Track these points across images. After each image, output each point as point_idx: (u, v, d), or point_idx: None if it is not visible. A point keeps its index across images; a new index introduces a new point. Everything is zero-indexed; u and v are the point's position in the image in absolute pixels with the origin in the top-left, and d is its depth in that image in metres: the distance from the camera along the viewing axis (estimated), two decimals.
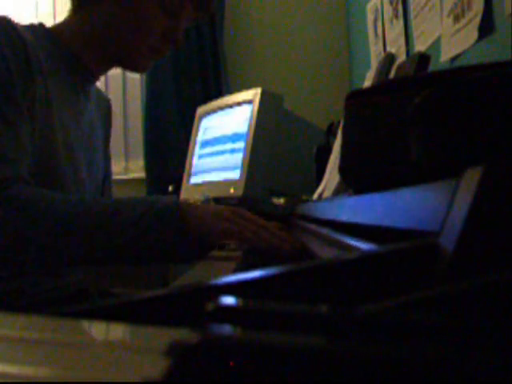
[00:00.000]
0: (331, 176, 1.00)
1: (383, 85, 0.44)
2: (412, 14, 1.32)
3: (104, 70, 1.05)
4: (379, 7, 1.64)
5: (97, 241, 0.79)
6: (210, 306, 0.19)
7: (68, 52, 0.98)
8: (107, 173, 1.20)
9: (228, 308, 0.19)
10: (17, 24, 0.90)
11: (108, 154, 1.21)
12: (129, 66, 1.02)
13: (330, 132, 1.36)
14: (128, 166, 2.61)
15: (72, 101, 0.98)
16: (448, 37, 1.06)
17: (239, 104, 1.61)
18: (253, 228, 0.82)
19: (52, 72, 0.93)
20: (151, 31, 0.96)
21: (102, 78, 2.58)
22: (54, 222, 0.78)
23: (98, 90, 1.15)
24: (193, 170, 1.78)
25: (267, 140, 1.50)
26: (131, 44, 0.97)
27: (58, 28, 1.00)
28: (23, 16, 2.58)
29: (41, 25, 0.99)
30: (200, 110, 1.85)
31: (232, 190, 1.50)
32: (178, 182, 1.89)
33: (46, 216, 0.78)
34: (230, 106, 1.66)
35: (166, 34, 0.98)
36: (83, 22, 0.98)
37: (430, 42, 1.20)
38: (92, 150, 1.05)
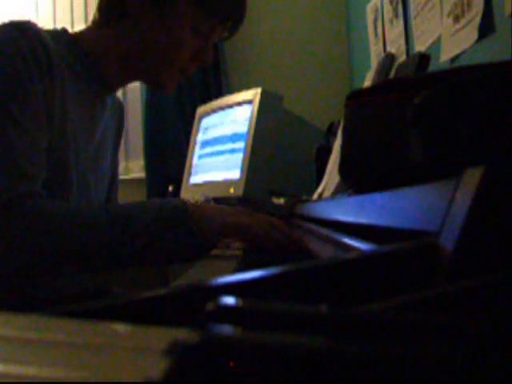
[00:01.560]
0: (331, 176, 1.00)
1: (383, 85, 0.44)
2: (412, 14, 1.32)
3: (124, 82, 1.05)
4: (379, 7, 1.64)
5: (109, 250, 0.81)
6: (210, 306, 0.19)
7: (89, 62, 0.97)
8: (114, 179, 1.20)
9: (228, 308, 0.19)
10: (40, 29, 0.89)
11: (116, 160, 1.22)
12: (154, 84, 1.01)
13: (330, 132, 1.37)
14: (128, 166, 2.61)
15: (88, 109, 0.98)
16: (448, 37, 1.06)
17: (239, 104, 1.61)
18: (263, 225, 0.84)
19: (71, 80, 0.92)
20: (182, 53, 0.95)
21: None
22: (68, 236, 0.79)
23: (113, 96, 1.14)
24: (193, 169, 1.78)
25: (267, 140, 1.50)
26: (161, 64, 0.96)
27: (81, 36, 0.99)
28: (23, 16, 2.58)
29: (64, 31, 0.98)
30: (200, 109, 1.85)
31: (232, 190, 1.50)
32: (178, 182, 1.89)
33: (59, 231, 0.79)
34: (230, 106, 1.66)
35: (196, 56, 0.97)
36: (110, 34, 0.96)
37: (429, 41, 1.20)
38: (101, 158, 1.06)
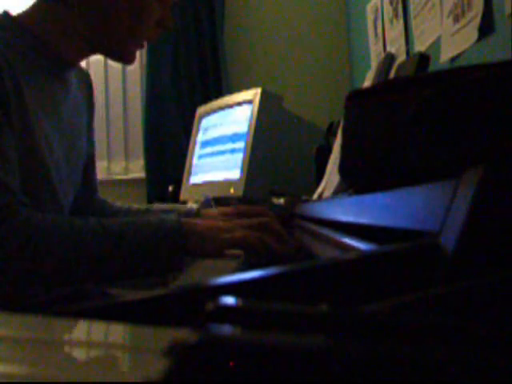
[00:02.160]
0: (331, 176, 1.00)
1: (383, 85, 0.44)
2: (412, 13, 1.32)
3: (82, 57, 0.99)
4: (379, 7, 1.64)
5: (103, 267, 0.80)
6: (210, 306, 0.19)
7: (40, 41, 0.91)
8: (92, 157, 1.15)
9: (228, 308, 0.19)
10: None
11: (92, 137, 1.15)
12: (117, 57, 0.96)
13: (330, 132, 1.37)
14: (128, 166, 2.61)
15: (48, 91, 0.92)
16: (448, 37, 1.06)
17: (239, 104, 1.61)
18: (257, 235, 0.84)
19: (22, 65, 0.87)
20: (148, 22, 0.93)
21: (102, 79, 2.59)
22: (62, 250, 0.78)
23: (79, 71, 1.08)
24: (193, 169, 1.78)
25: (267, 140, 1.50)
26: (127, 36, 0.92)
27: (26, 16, 0.92)
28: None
29: (6, 13, 0.92)
30: (200, 109, 1.85)
31: (232, 190, 1.50)
32: (178, 182, 1.89)
33: (53, 246, 0.77)
34: (230, 106, 1.66)
35: (159, 22, 0.95)
36: (66, 11, 0.90)
37: (429, 41, 1.20)
38: (73, 137, 1.00)
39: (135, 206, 1.16)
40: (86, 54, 0.98)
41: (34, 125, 0.86)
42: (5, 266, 0.76)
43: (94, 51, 0.97)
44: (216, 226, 0.86)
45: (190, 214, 1.07)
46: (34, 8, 0.93)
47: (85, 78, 1.11)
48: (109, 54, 0.97)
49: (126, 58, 0.96)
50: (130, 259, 0.80)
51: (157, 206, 1.16)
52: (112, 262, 0.80)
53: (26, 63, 0.88)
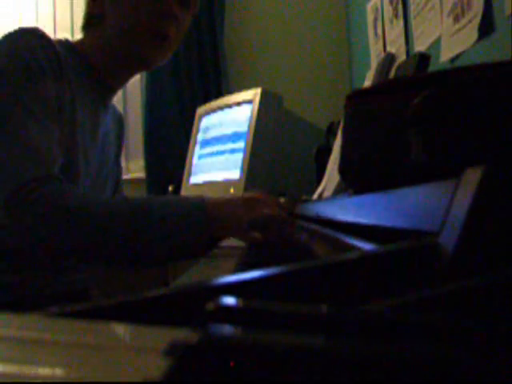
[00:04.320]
0: (331, 176, 1.00)
1: (383, 85, 0.44)
2: (412, 13, 1.32)
3: (122, 81, 1.10)
4: (379, 7, 1.64)
5: (127, 239, 0.83)
6: (210, 306, 0.19)
7: (90, 66, 1.02)
8: (118, 184, 1.24)
9: (228, 308, 0.19)
10: (49, 36, 0.95)
11: (120, 165, 1.26)
12: (138, 59, 1.03)
13: (330, 132, 1.37)
14: (128, 166, 2.61)
15: (92, 113, 1.03)
16: (448, 37, 1.06)
17: (239, 104, 1.61)
18: (276, 219, 0.87)
19: (77, 85, 0.97)
20: (146, 12, 0.98)
21: None
22: (88, 220, 0.81)
23: (113, 105, 1.20)
24: (193, 169, 1.78)
25: (267, 140, 1.50)
26: (132, 31, 0.99)
27: (80, 43, 1.05)
28: (23, 16, 2.58)
29: (66, 40, 1.04)
30: (200, 109, 1.85)
31: (232, 190, 1.50)
32: (178, 182, 1.89)
33: (79, 216, 0.81)
34: (230, 106, 1.66)
35: (161, 12, 0.99)
36: (96, 36, 1.02)
37: (429, 41, 1.20)
38: (103, 162, 1.09)
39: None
40: (123, 78, 1.09)
41: (78, 135, 0.95)
42: (39, 232, 0.80)
43: (127, 70, 1.07)
44: (238, 205, 0.89)
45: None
46: (83, 38, 1.06)
47: (118, 116, 1.25)
48: (133, 61, 1.04)
49: (145, 59, 1.03)
50: (160, 233, 0.82)
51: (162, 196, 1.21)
52: (142, 235, 0.82)
53: (78, 82, 0.98)
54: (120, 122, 1.26)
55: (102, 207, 0.83)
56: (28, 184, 0.80)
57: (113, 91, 1.10)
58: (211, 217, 0.85)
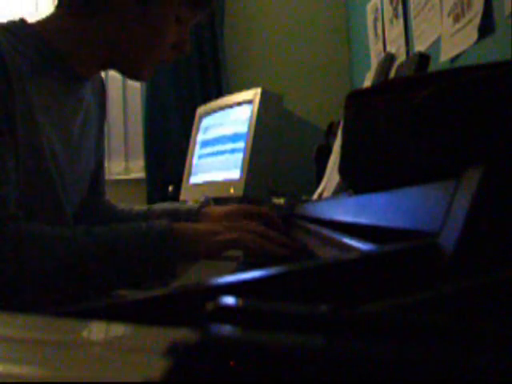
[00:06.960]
0: (331, 176, 1.00)
1: (383, 85, 0.44)
2: (412, 13, 1.32)
3: (94, 73, 0.99)
4: (379, 7, 1.64)
5: (93, 278, 0.79)
6: (210, 306, 0.19)
7: (53, 52, 0.89)
8: (100, 165, 1.16)
9: (228, 308, 0.19)
10: None
11: (102, 143, 1.16)
12: (131, 74, 0.97)
13: (330, 132, 1.36)
14: (128, 166, 2.61)
15: (57, 101, 0.91)
16: (448, 37, 1.06)
17: (239, 104, 1.61)
18: (249, 236, 0.83)
19: (33, 76, 0.85)
20: (165, 43, 0.93)
21: None
22: (49, 262, 0.77)
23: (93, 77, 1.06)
24: (193, 169, 1.78)
25: (267, 140, 1.50)
26: (143, 56, 0.93)
27: (43, 25, 0.91)
28: (23, 14, 2.58)
29: (22, 21, 0.90)
30: (200, 109, 1.85)
31: (232, 190, 1.50)
32: (177, 182, 1.89)
33: (40, 258, 0.76)
34: (230, 106, 1.66)
35: (176, 45, 0.95)
36: (85, 25, 0.89)
37: (429, 41, 1.20)
38: (80, 148, 1.00)
39: (137, 207, 1.16)
40: (98, 70, 0.98)
41: (40, 132, 0.85)
42: None
43: (107, 67, 0.97)
44: (208, 228, 0.85)
45: (191, 212, 1.06)
46: (51, 18, 0.93)
47: (98, 83, 1.10)
48: (124, 71, 0.97)
49: (140, 77, 0.98)
50: (120, 268, 0.79)
51: (158, 205, 1.16)
52: (103, 274, 0.79)
53: (35, 71, 0.85)
54: (101, 87, 1.11)
55: (63, 248, 0.78)
56: None
57: (82, 79, 0.95)
58: (179, 241, 0.81)
